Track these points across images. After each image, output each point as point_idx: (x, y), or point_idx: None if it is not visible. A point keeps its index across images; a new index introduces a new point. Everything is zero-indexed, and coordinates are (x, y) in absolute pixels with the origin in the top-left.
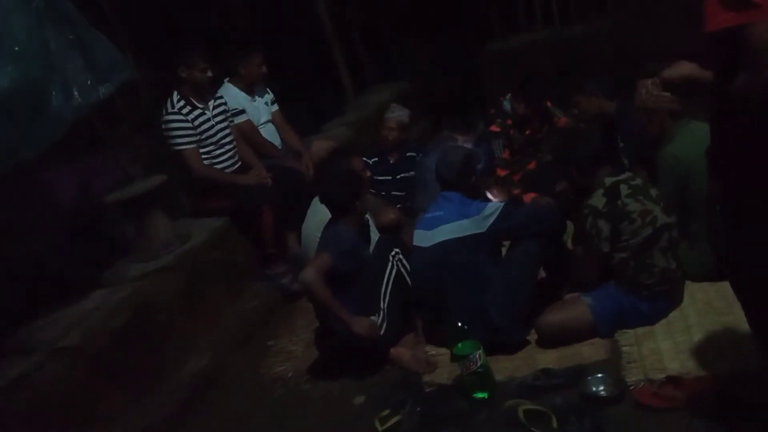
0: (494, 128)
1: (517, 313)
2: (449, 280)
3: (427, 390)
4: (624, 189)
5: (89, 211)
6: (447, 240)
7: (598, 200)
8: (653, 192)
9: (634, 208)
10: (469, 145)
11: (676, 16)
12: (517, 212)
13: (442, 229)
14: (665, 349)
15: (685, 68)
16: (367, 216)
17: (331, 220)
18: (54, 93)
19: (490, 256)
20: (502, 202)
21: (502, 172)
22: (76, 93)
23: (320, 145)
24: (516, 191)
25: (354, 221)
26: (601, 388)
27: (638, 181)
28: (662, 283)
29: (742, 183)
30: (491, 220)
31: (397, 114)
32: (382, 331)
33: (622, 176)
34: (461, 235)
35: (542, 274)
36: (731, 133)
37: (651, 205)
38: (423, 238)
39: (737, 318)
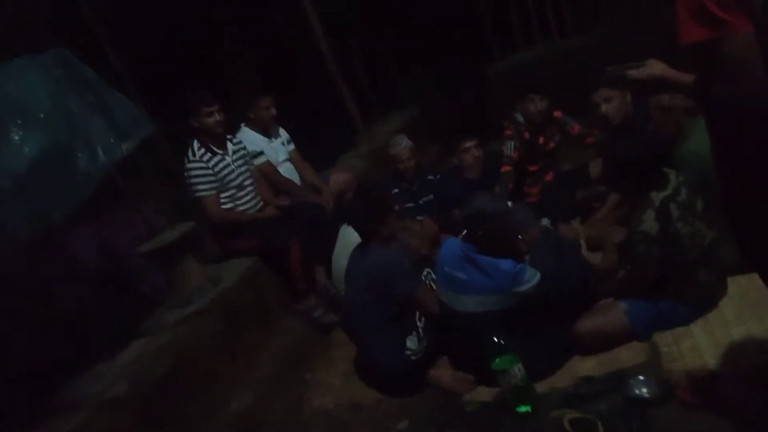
0: (508, 132)
1: (562, 345)
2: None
3: (469, 409)
4: (674, 210)
5: (118, 265)
6: (472, 312)
7: (650, 226)
8: (699, 204)
9: (685, 231)
10: (478, 152)
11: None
12: (551, 275)
13: (466, 300)
14: (704, 345)
15: (655, 68)
16: None
17: (360, 244)
18: (79, 154)
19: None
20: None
21: (506, 168)
22: (100, 152)
23: (338, 178)
24: (533, 200)
25: (384, 241)
26: (644, 390)
27: (684, 195)
28: (705, 294)
29: (736, 180)
30: (524, 294)
31: (404, 144)
32: (421, 354)
33: (668, 189)
34: (486, 309)
35: None
36: (717, 133)
37: (699, 225)
38: (447, 296)
39: None
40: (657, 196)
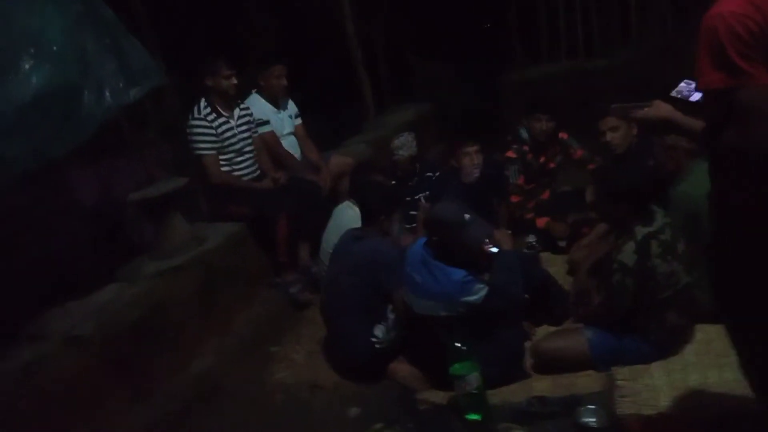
0: (510, 154)
1: (520, 359)
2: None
3: (422, 408)
4: (655, 247)
5: (111, 210)
6: (425, 314)
7: (629, 257)
8: (680, 247)
9: (662, 270)
10: (478, 158)
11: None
12: (500, 291)
13: (420, 302)
14: (660, 386)
15: (661, 110)
16: None
17: (358, 228)
18: (86, 93)
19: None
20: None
21: (515, 199)
22: (107, 94)
23: (339, 161)
24: (529, 215)
25: (380, 232)
26: (593, 419)
27: (667, 235)
28: (671, 336)
29: (730, 227)
30: (470, 305)
31: (404, 151)
32: (386, 345)
33: (653, 226)
34: (435, 314)
35: None
36: (721, 180)
37: (676, 266)
38: (407, 296)
39: (734, 360)
40: (641, 231)
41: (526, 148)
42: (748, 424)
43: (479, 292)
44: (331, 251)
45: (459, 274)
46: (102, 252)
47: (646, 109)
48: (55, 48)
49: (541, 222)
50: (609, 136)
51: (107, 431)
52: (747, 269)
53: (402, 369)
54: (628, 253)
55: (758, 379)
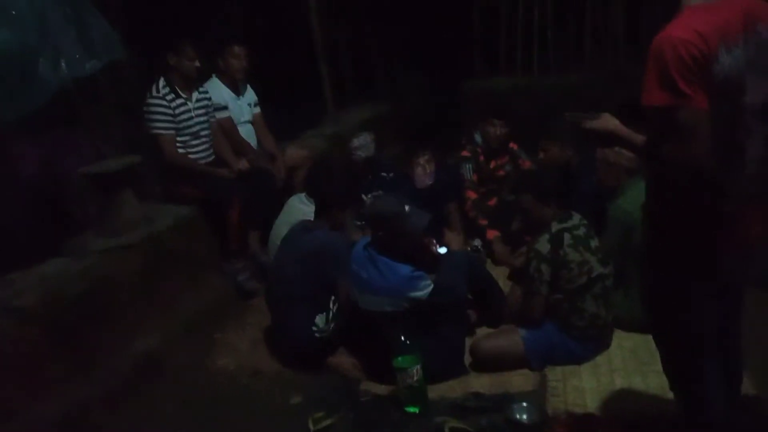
0: (465, 153)
1: (460, 356)
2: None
3: (363, 398)
4: (567, 238)
5: (57, 184)
6: (371, 310)
7: (543, 245)
8: (593, 243)
9: (573, 258)
10: (430, 167)
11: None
12: (445, 288)
13: (367, 298)
14: (588, 387)
15: (608, 122)
16: None
17: (309, 220)
18: (42, 61)
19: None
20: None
21: (472, 195)
22: (63, 64)
23: (294, 153)
24: (483, 221)
25: (332, 226)
26: (525, 416)
27: (581, 231)
28: (592, 327)
29: (662, 238)
30: (416, 300)
31: (362, 151)
32: (325, 334)
33: (568, 223)
34: (381, 309)
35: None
36: (657, 190)
37: (589, 256)
38: (353, 293)
39: (657, 368)
40: (556, 226)
41: (479, 149)
42: (666, 425)
43: (425, 288)
44: (279, 242)
45: (406, 269)
46: (46, 225)
47: (595, 120)
48: (13, 12)
49: (491, 234)
50: (541, 155)
51: (45, 402)
52: (677, 278)
53: (343, 362)
54: (542, 243)
55: (679, 382)
